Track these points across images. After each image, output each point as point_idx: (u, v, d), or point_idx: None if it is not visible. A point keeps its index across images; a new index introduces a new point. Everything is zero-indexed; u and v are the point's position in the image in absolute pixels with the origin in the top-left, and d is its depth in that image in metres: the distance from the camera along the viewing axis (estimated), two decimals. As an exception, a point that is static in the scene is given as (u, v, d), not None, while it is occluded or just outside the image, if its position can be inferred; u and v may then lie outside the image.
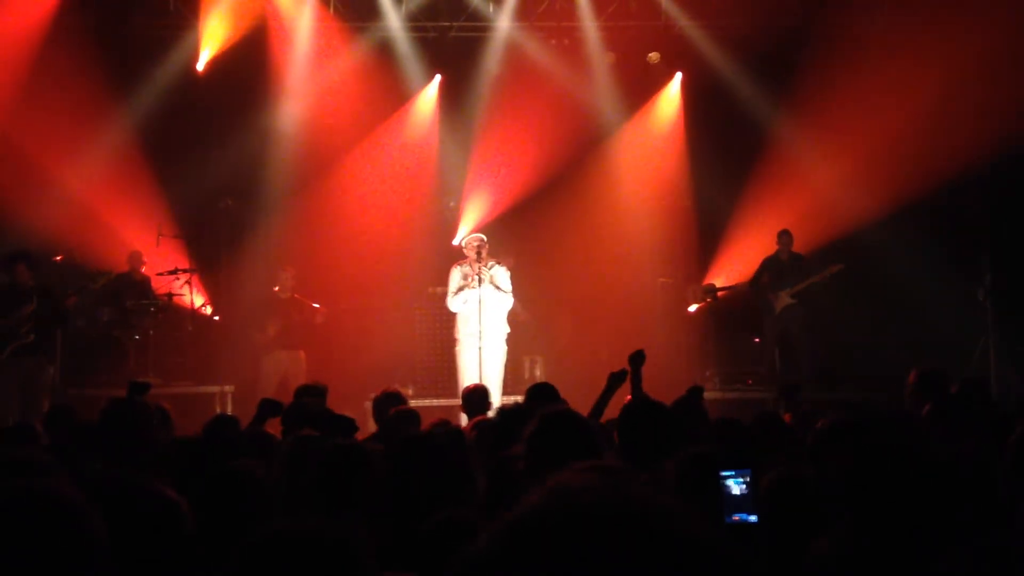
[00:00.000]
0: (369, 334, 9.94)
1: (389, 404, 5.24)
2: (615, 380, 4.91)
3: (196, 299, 9.54)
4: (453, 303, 8.38)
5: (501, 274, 8.41)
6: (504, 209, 10.73)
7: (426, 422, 4.75)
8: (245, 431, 4.49)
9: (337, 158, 10.74)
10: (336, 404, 5.48)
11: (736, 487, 2.42)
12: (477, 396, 5.87)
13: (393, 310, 10.20)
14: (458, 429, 4.08)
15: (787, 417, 4.86)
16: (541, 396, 4.69)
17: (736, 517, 2.38)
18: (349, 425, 4.34)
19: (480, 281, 8.21)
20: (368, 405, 7.11)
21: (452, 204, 10.85)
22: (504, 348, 8.44)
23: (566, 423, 2.97)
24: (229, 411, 8.66)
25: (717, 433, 3.83)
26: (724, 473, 2.42)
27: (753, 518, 2.37)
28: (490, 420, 4.50)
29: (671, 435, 3.43)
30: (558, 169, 10.66)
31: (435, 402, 9.36)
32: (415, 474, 2.99)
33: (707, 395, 8.86)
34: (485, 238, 8.49)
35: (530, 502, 1.01)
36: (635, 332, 9.44)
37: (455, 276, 8.48)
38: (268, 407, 4.82)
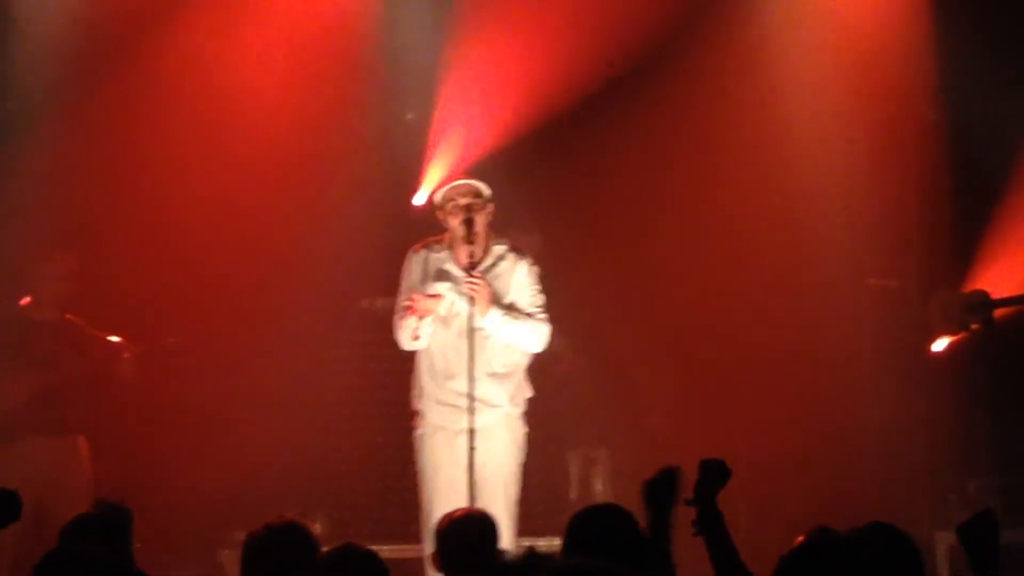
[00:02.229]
0: (231, 402, 10.27)
1: (284, 551, 5.40)
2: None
3: None
4: (404, 333, 8.52)
5: (519, 275, 8.60)
6: (520, 132, 10.94)
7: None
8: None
9: (163, 27, 10.86)
10: (154, 550, 6.12)
11: None
12: (468, 535, 5.96)
13: (284, 349, 10.56)
14: None
15: None
16: (597, 536, 5.00)
17: None
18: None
19: (472, 292, 8.35)
20: (229, 554, 7.78)
21: (410, 117, 11.16)
22: (521, 432, 8.57)
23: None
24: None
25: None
26: None
27: None
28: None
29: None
30: (636, 50, 10.90)
31: (372, 548, 9.49)
32: None
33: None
34: (485, 189, 8.56)
35: None
36: (816, 392, 9.79)
37: (413, 271, 8.62)
38: None
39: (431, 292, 8.36)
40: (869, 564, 4.57)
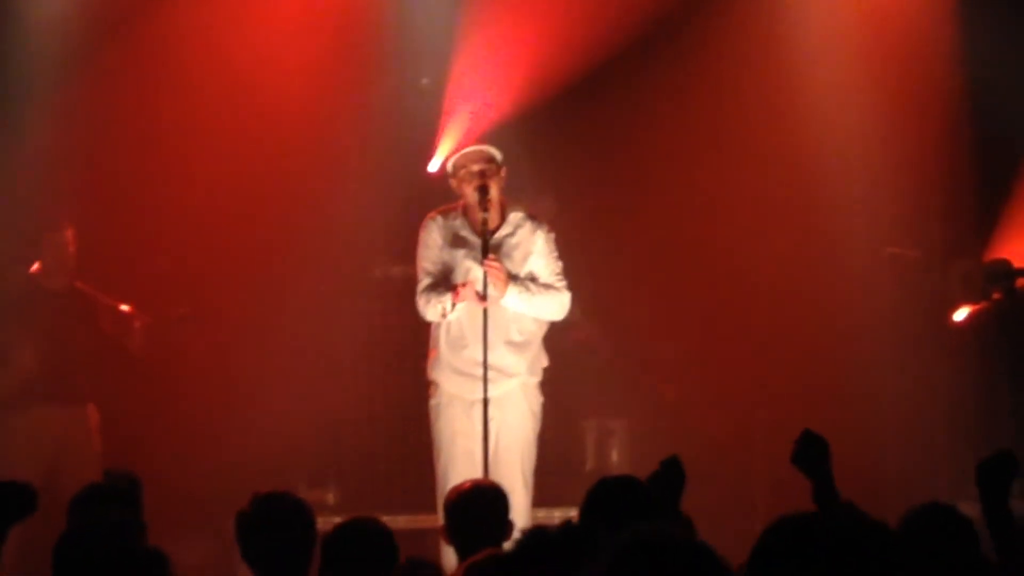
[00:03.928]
0: (243, 371, 10.18)
1: (276, 524, 5.39)
2: (668, 472, 5.57)
3: None
4: (428, 304, 8.49)
5: (538, 243, 8.62)
6: (535, 97, 10.95)
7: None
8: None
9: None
10: (164, 520, 6.07)
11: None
12: (477, 507, 6.03)
13: (294, 319, 10.50)
14: None
15: None
16: (617, 507, 5.07)
17: None
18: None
19: (487, 259, 8.25)
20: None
21: (425, 82, 11.15)
22: (537, 402, 8.57)
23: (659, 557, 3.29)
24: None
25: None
26: None
27: None
28: (505, 558, 4.70)
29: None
30: (655, 16, 10.90)
31: (386, 520, 9.50)
32: None
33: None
34: (497, 155, 8.55)
35: None
36: (835, 362, 9.81)
37: (431, 237, 8.59)
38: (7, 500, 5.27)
39: (448, 258, 8.37)
40: (923, 545, 4.59)
